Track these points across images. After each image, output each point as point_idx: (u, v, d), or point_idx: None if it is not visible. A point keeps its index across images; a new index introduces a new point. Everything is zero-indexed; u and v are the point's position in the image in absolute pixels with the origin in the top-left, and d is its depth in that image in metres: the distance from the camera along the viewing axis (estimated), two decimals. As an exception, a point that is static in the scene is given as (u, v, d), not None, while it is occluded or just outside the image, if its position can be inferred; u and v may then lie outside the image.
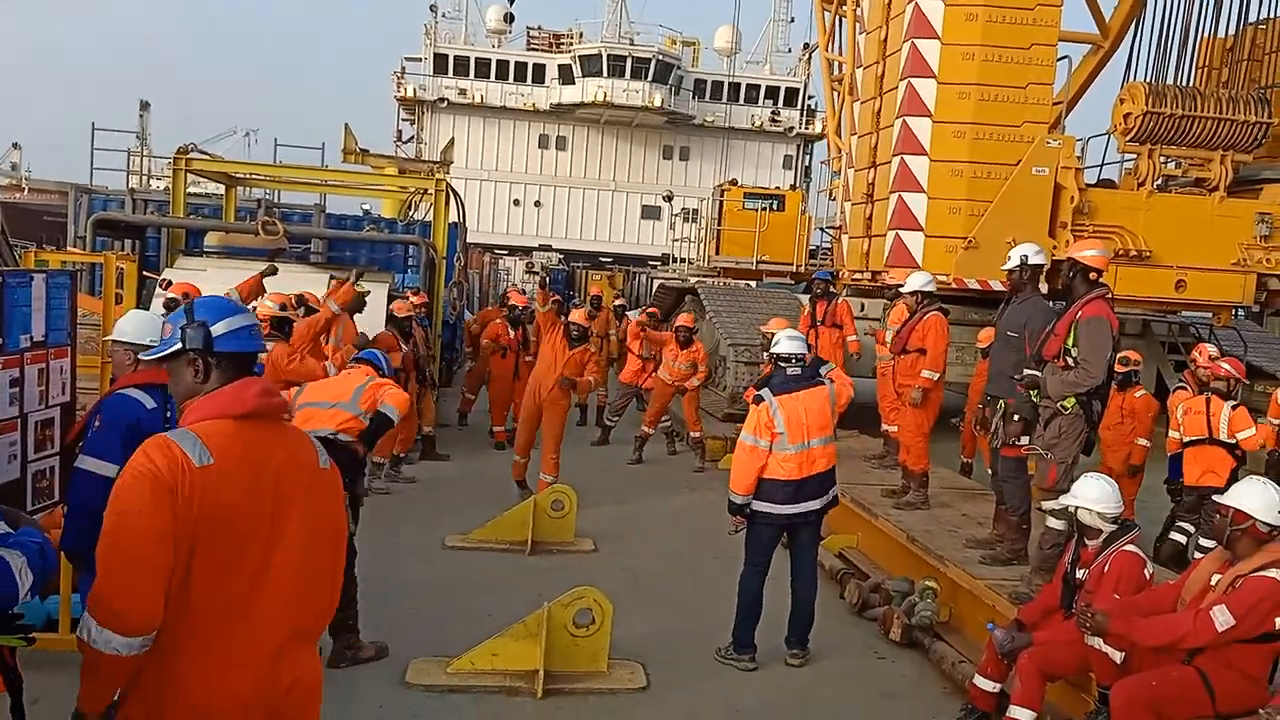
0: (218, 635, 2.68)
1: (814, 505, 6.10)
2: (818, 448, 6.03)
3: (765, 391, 6.05)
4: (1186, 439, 8.52)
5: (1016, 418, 6.56)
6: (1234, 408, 8.38)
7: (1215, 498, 4.60)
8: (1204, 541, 8.31)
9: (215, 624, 2.67)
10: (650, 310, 13.69)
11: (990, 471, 7.65)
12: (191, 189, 15.18)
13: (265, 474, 2.76)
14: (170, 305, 7.81)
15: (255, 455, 2.77)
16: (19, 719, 2.97)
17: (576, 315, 10.11)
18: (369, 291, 9.89)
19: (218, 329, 2.87)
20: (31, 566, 2.65)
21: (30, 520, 2.88)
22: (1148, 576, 4.98)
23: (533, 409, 9.77)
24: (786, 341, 6.17)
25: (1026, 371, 6.37)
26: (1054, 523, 5.96)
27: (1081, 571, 5.07)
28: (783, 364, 6.13)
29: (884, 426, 10.58)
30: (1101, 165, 14.74)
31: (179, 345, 2.85)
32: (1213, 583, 4.44)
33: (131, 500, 2.60)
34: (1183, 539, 8.60)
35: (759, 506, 6.02)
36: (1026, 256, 6.90)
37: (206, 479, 2.64)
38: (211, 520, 2.64)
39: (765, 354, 10.37)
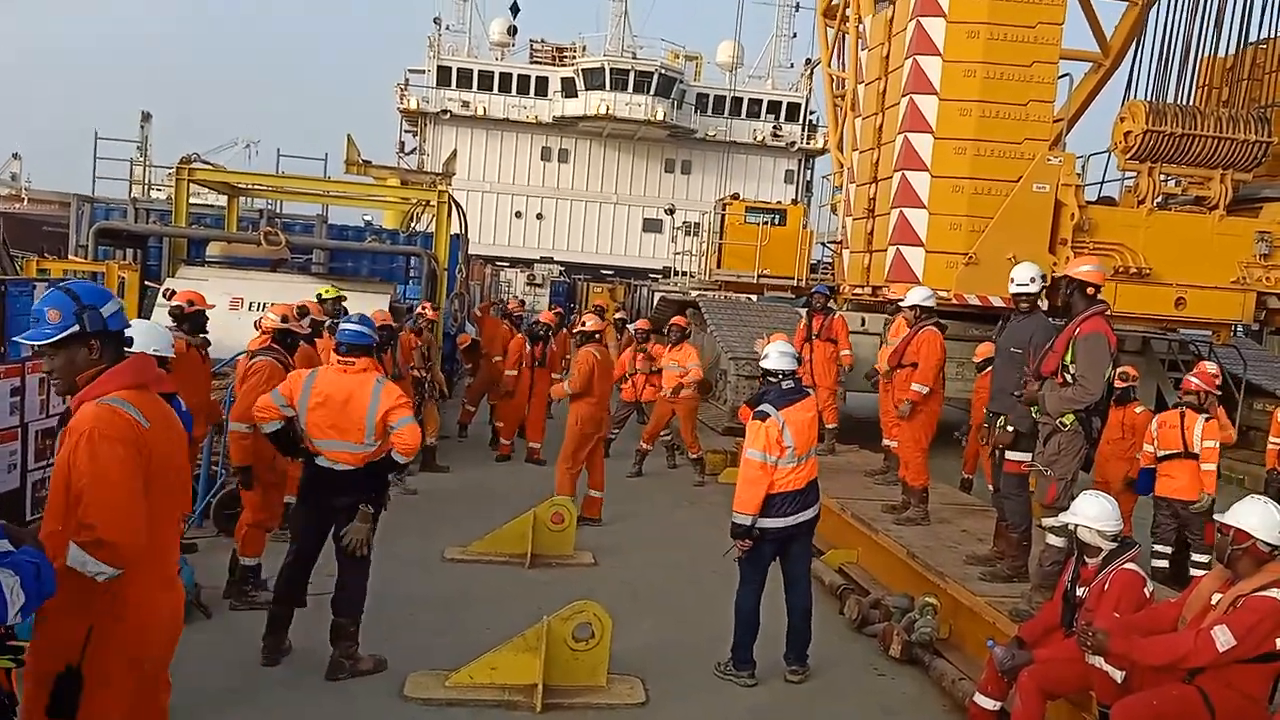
0: (161, 567, 3.26)
1: (809, 514, 6.13)
2: (812, 458, 6.14)
3: (769, 407, 5.97)
4: (1161, 453, 8.58)
5: (1010, 429, 6.57)
6: (1207, 420, 8.44)
7: (1216, 516, 4.59)
8: (1197, 557, 8.34)
9: (158, 558, 3.23)
10: (640, 326, 13.54)
11: (991, 488, 7.64)
12: (193, 199, 15.21)
13: (171, 432, 3.31)
14: (176, 313, 7.78)
15: (163, 417, 3.28)
16: None
17: (592, 324, 10.20)
18: (344, 296, 9.93)
19: (107, 310, 3.22)
20: (25, 587, 2.73)
21: (33, 539, 2.94)
22: (1148, 595, 4.98)
23: None
24: (777, 356, 6.13)
25: (1026, 387, 6.38)
26: (1054, 540, 5.96)
27: (1082, 589, 5.06)
28: (773, 379, 6.12)
29: (884, 441, 10.57)
30: (1102, 183, 14.79)
31: (77, 327, 3.14)
32: (1214, 602, 4.43)
33: (113, 460, 2.99)
34: (1164, 564, 8.60)
35: (767, 523, 5.98)
36: (1034, 278, 6.89)
37: (150, 437, 3.14)
38: (156, 472, 3.17)
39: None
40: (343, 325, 5.82)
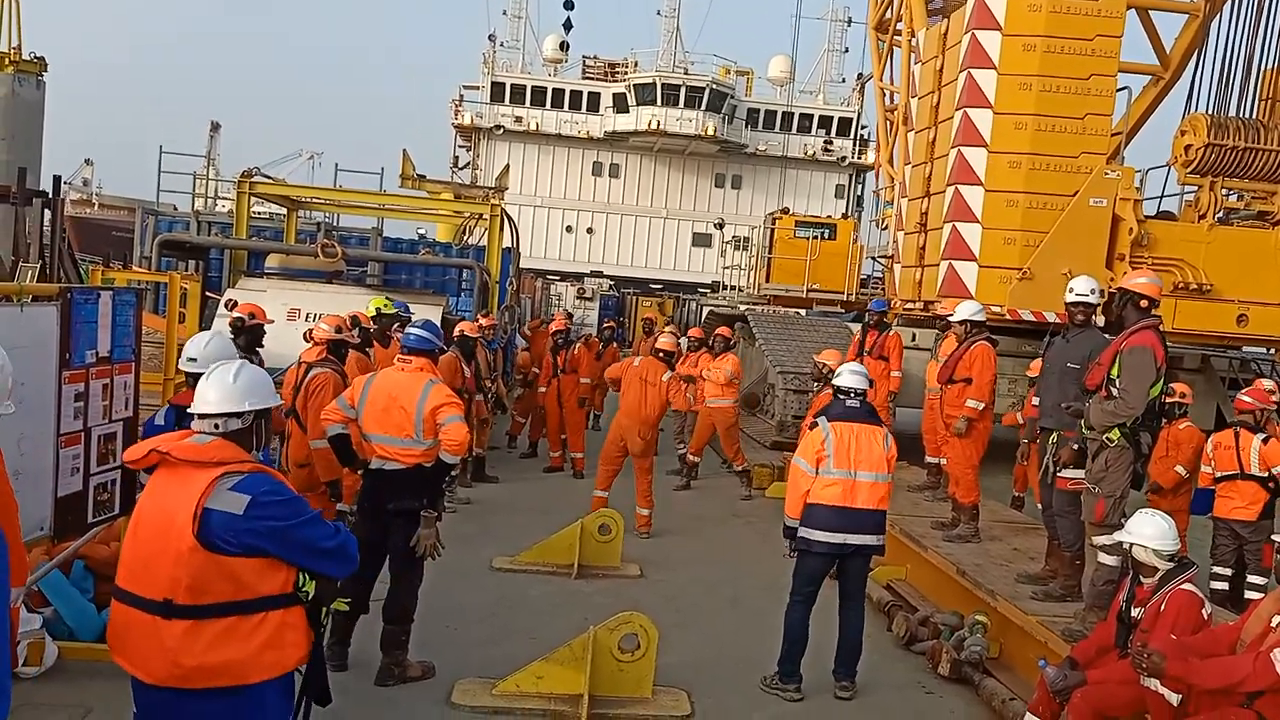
0: None
1: (864, 540, 6.05)
2: (865, 481, 6.01)
3: (822, 419, 6.15)
4: (1219, 474, 8.39)
5: (1073, 445, 6.41)
6: (1264, 440, 8.22)
7: (1275, 536, 4.48)
8: (1253, 578, 8.12)
9: None
10: (693, 334, 13.48)
11: (1040, 505, 7.52)
12: (258, 208, 15.55)
13: None
14: (236, 325, 7.96)
15: None
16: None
17: (665, 343, 10.26)
18: (399, 315, 10.03)
19: None
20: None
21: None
22: (1206, 617, 4.86)
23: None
24: (848, 375, 6.28)
25: (1072, 403, 6.27)
26: (1106, 558, 5.85)
27: (1137, 610, 4.95)
28: (842, 395, 6.22)
29: (927, 458, 10.49)
30: (1161, 197, 14.53)
31: None
32: (1273, 624, 4.32)
33: None
34: (1223, 585, 8.39)
35: (806, 534, 6.01)
36: (1094, 290, 6.79)
37: None
38: None
39: (815, 384, 10.31)
40: (409, 330, 6.19)
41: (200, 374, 5.06)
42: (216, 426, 3.36)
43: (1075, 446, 6.37)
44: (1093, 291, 6.78)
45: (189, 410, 3.49)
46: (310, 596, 3.32)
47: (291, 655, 3.31)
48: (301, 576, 3.30)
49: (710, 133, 41.06)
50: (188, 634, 3.14)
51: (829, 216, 25.22)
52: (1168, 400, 8.64)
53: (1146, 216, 13.28)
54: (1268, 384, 8.94)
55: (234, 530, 3.14)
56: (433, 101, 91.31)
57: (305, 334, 8.52)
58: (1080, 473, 6.42)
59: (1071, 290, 6.84)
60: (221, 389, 3.41)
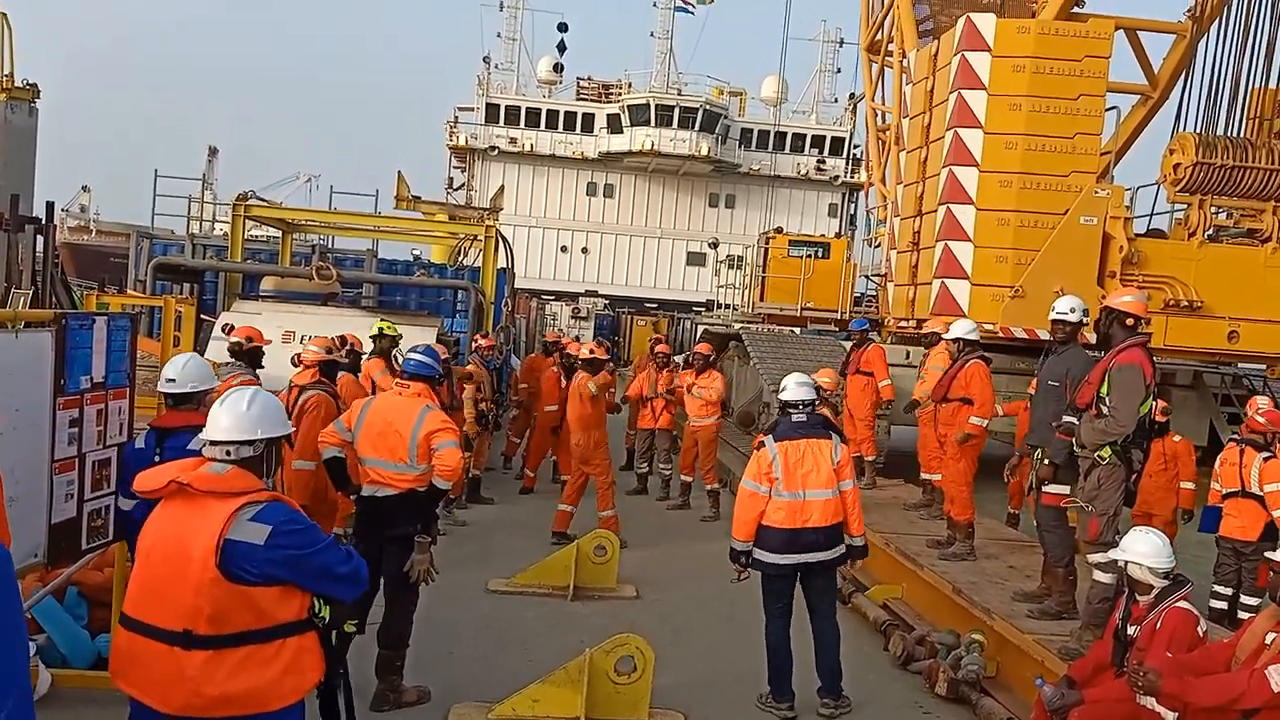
0: None
1: (818, 557, 5.98)
2: (814, 499, 5.93)
3: (768, 438, 6.05)
4: (1225, 490, 8.41)
5: (1047, 461, 6.48)
6: (1266, 459, 8.22)
7: (1268, 554, 4.49)
8: (1246, 599, 8.11)
9: None
10: (661, 350, 13.50)
11: (1036, 523, 7.55)
12: (256, 231, 15.54)
13: None
14: (234, 349, 7.97)
15: None
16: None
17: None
18: (400, 335, 10.02)
19: None
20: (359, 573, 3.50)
21: None
22: (1201, 634, 4.86)
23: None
24: (794, 388, 6.15)
25: (1064, 420, 6.31)
26: (1101, 576, 5.86)
27: (1133, 628, 4.96)
28: (789, 410, 6.11)
29: (923, 475, 10.49)
30: (1151, 215, 14.63)
31: None
32: (1268, 641, 4.33)
33: None
34: (1223, 605, 8.37)
35: (759, 555, 5.99)
36: (1075, 309, 6.86)
37: None
38: None
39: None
40: (409, 355, 6.20)
41: (180, 394, 5.12)
42: (229, 453, 3.35)
43: (1048, 462, 6.44)
44: (1072, 310, 6.85)
45: (205, 436, 3.45)
46: (326, 622, 3.38)
47: (310, 679, 3.35)
48: (316, 602, 3.35)
49: (704, 153, 41.30)
50: (209, 663, 3.13)
51: (822, 235, 25.30)
52: (1160, 418, 8.71)
53: (1137, 234, 13.37)
54: (1263, 402, 8.90)
55: (255, 560, 3.16)
56: (427, 123, 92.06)
57: (294, 358, 8.46)
58: (1064, 488, 6.47)
59: (1053, 309, 6.92)
60: (234, 416, 3.41)
